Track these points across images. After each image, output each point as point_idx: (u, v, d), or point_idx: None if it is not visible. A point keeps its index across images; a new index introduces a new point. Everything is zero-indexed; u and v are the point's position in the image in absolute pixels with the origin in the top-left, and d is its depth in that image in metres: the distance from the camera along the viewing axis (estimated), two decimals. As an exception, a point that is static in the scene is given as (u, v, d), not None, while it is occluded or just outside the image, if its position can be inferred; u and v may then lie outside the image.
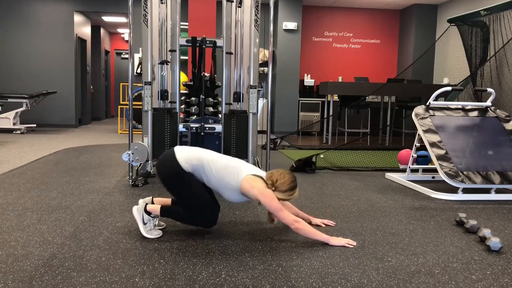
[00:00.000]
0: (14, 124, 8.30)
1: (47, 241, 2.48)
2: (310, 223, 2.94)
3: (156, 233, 2.63)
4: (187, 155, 2.61)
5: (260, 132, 6.02)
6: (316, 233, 2.55)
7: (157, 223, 2.69)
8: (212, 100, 4.90)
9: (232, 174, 2.56)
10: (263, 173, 2.65)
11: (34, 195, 3.55)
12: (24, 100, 8.36)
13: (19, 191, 3.68)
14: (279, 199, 2.54)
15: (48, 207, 3.19)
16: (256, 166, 4.48)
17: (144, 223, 2.62)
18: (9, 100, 8.27)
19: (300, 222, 2.52)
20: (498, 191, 3.96)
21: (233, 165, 2.61)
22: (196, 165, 2.59)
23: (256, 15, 4.39)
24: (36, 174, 4.41)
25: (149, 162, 4.25)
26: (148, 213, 2.62)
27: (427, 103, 4.51)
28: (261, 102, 9.16)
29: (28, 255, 2.27)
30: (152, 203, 2.73)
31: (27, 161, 5.18)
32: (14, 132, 8.26)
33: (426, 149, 4.37)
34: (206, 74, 4.90)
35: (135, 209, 2.65)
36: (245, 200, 2.64)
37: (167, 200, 2.78)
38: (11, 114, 8.26)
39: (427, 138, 4.19)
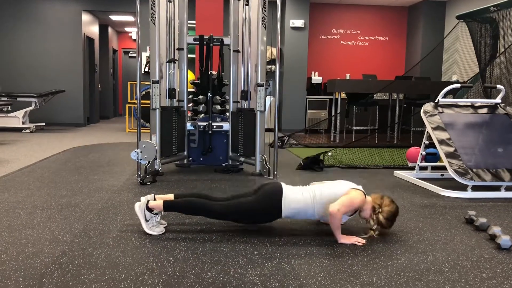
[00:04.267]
0: (23, 123, 8.37)
1: (57, 239, 2.50)
2: (318, 221, 2.94)
3: (158, 230, 2.63)
4: (293, 201, 2.61)
5: (267, 130, 6.02)
6: (338, 228, 2.56)
7: (159, 219, 2.69)
8: (219, 98, 4.90)
9: (333, 193, 2.61)
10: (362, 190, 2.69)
11: (43, 193, 3.58)
12: (33, 99, 8.42)
13: (29, 189, 3.71)
14: (379, 222, 2.59)
15: (58, 205, 3.21)
16: (263, 164, 4.49)
17: (147, 220, 2.63)
18: (18, 99, 8.35)
19: (341, 214, 2.51)
20: (508, 188, 3.93)
21: (334, 185, 2.68)
22: (299, 208, 2.62)
23: (263, 13, 4.39)
24: (45, 172, 4.44)
25: (157, 160, 4.26)
26: (150, 210, 2.62)
27: (436, 100, 4.49)
28: (269, 100, 9.15)
29: (38, 253, 2.29)
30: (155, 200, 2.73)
31: (37, 159, 5.22)
32: (23, 131, 8.33)
33: (435, 147, 4.35)
34: (213, 72, 4.91)
35: (137, 206, 2.65)
36: (349, 216, 2.68)
37: (169, 196, 2.78)
38: (20, 113, 8.33)
39: (436, 136, 4.17)
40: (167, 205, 2.63)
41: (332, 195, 2.60)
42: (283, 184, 2.69)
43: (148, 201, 2.65)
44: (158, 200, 2.66)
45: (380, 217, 2.59)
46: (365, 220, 2.70)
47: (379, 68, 10.16)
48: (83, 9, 9.49)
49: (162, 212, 2.67)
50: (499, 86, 4.58)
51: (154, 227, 2.64)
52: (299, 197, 2.63)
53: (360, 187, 2.68)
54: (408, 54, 10.21)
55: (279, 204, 2.59)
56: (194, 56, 7.91)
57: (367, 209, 2.63)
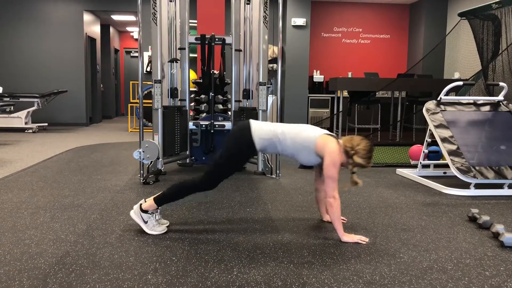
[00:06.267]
0: (26, 123, 8.39)
1: (60, 239, 2.51)
2: (322, 220, 2.95)
3: (160, 229, 2.63)
4: (262, 131, 2.63)
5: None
6: (339, 221, 2.56)
7: (158, 218, 2.67)
8: (221, 97, 4.90)
9: (306, 136, 2.61)
10: (335, 135, 2.68)
11: (46, 193, 3.59)
12: (35, 100, 8.44)
13: (32, 189, 3.72)
14: (357, 163, 2.56)
15: (61, 205, 3.22)
16: (266, 162, 4.50)
17: (145, 222, 2.63)
18: (21, 99, 8.36)
19: (337, 201, 2.53)
20: (511, 186, 3.92)
21: (305, 128, 2.66)
22: (270, 138, 2.62)
23: (264, 11, 4.39)
24: (48, 172, 4.45)
25: (160, 159, 4.27)
26: (145, 211, 2.62)
27: (438, 98, 4.48)
28: (271, 99, 9.13)
29: (42, 253, 2.29)
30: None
31: (39, 159, 5.23)
32: (26, 131, 8.34)
33: (437, 145, 4.34)
34: (215, 71, 4.91)
35: (132, 213, 2.66)
36: (319, 161, 2.65)
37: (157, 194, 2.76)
38: (23, 113, 8.35)
39: (439, 133, 4.16)
40: (158, 199, 2.63)
41: (303, 139, 2.60)
42: (250, 120, 2.71)
43: (141, 204, 2.65)
44: (149, 200, 2.66)
45: (356, 158, 2.56)
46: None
47: (381, 66, 10.14)
48: (84, 9, 9.49)
49: (158, 210, 2.66)
50: (501, 84, 4.57)
51: (155, 227, 2.63)
52: (268, 127, 2.65)
53: (325, 131, 2.66)
54: (410, 52, 10.18)
55: (250, 135, 2.60)
56: (195, 55, 7.93)
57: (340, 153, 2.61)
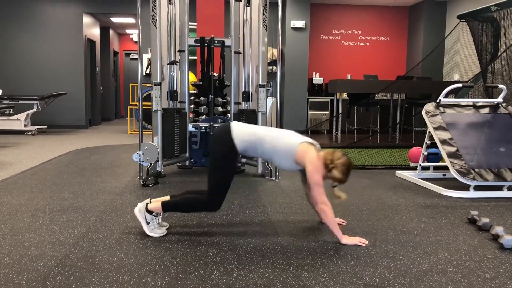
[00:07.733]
0: (25, 125, 8.38)
1: (59, 242, 2.51)
2: (321, 222, 2.94)
3: (160, 232, 2.64)
4: (243, 133, 2.62)
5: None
6: (335, 224, 2.55)
7: (160, 221, 2.69)
8: (221, 99, 4.91)
9: (287, 143, 2.61)
10: (315, 143, 2.69)
11: (46, 196, 3.59)
12: (35, 102, 8.44)
13: (31, 192, 3.71)
14: (334, 178, 2.57)
15: (60, 208, 3.22)
16: (265, 164, 4.50)
17: (148, 223, 2.63)
18: (20, 102, 8.36)
19: (328, 206, 2.53)
20: (510, 188, 3.92)
21: (286, 134, 2.67)
22: (251, 141, 2.61)
23: (264, 14, 4.39)
24: (47, 175, 4.45)
25: (160, 162, 4.27)
26: (150, 212, 2.63)
27: (438, 100, 4.48)
28: (270, 101, 9.13)
29: (41, 256, 2.29)
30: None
31: (39, 162, 5.23)
32: (25, 133, 8.34)
33: (436, 147, 4.34)
34: (214, 73, 4.91)
35: (136, 210, 2.66)
36: (296, 168, 2.68)
37: (166, 198, 2.76)
38: (22, 115, 8.35)
39: (438, 136, 4.16)
40: (165, 205, 2.64)
41: (284, 145, 2.60)
42: (232, 122, 2.71)
43: (147, 203, 2.65)
44: (156, 202, 2.66)
45: (334, 172, 2.56)
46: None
47: (380, 68, 10.15)
48: (84, 11, 9.50)
49: (162, 213, 2.67)
50: (500, 86, 4.57)
51: (155, 229, 2.64)
52: (248, 129, 2.64)
53: (306, 138, 2.66)
54: (409, 54, 10.20)
55: (230, 136, 2.58)
56: (195, 57, 7.94)
57: None
